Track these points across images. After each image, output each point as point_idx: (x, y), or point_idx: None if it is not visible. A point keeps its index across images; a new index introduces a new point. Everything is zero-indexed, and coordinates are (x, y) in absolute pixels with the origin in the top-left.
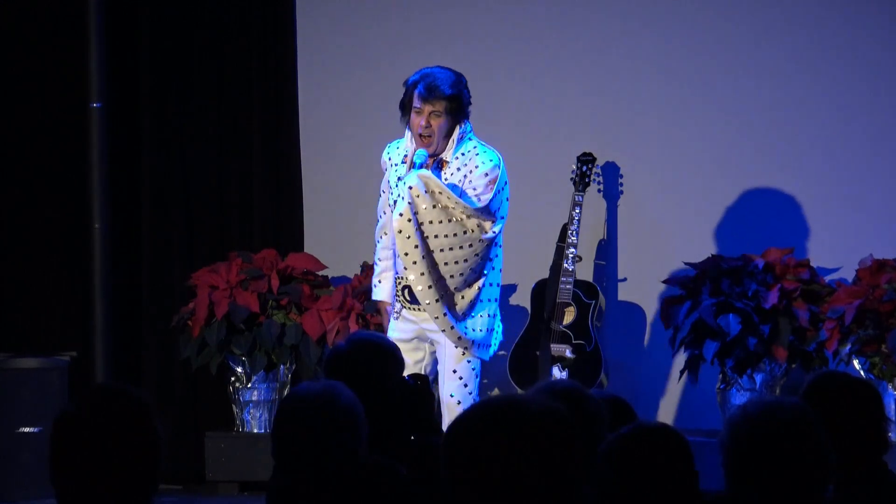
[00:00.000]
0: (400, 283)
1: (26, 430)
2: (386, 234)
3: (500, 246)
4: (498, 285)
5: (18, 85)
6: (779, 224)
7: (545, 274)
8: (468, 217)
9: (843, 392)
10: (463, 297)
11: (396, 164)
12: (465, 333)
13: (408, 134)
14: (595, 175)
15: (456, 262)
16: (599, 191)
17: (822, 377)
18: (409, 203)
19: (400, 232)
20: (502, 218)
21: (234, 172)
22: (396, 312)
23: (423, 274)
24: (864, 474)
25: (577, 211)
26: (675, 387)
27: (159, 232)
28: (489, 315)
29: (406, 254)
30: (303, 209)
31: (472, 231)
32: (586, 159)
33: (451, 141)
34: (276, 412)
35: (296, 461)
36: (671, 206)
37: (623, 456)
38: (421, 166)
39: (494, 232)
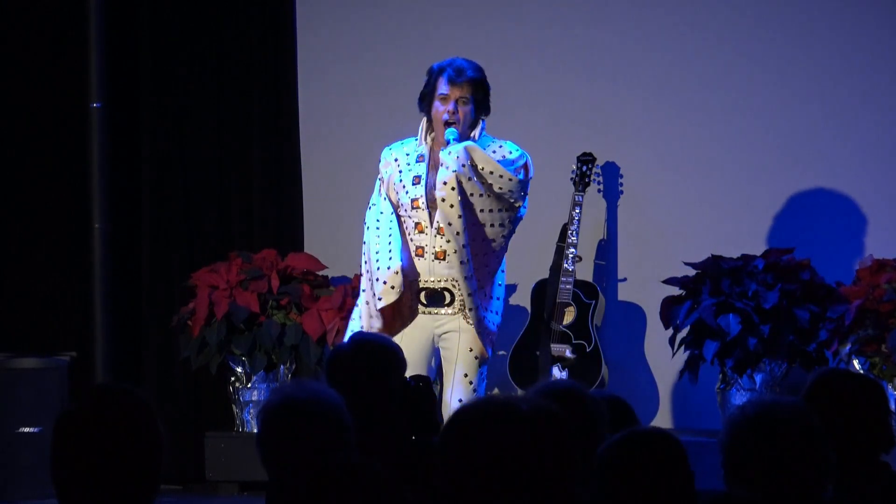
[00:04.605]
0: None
1: (26, 430)
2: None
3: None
4: (503, 272)
5: (18, 85)
6: (779, 224)
7: (545, 274)
8: (509, 193)
9: (848, 389)
10: (484, 282)
11: (409, 165)
12: (487, 320)
13: (421, 130)
14: (595, 175)
15: (484, 240)
16: (599, 191)
17: (825, 375)
18: (454, 172)
19: (443, 200)
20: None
21: (234, 172)
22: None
23: (464, 246)
24: (865, 473)
25: (577, 211)
26: (675, 387)
27: (159, 232)
28: (497, 312)
29: (449, 224)
30: (303, 209)
31: (506, 210)
32: (586, 159)
33: (473, 135)
34: (259, 420)
35: (284, 466)
36: (671, 206)
37: (618, 463)
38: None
39: (521, 214)
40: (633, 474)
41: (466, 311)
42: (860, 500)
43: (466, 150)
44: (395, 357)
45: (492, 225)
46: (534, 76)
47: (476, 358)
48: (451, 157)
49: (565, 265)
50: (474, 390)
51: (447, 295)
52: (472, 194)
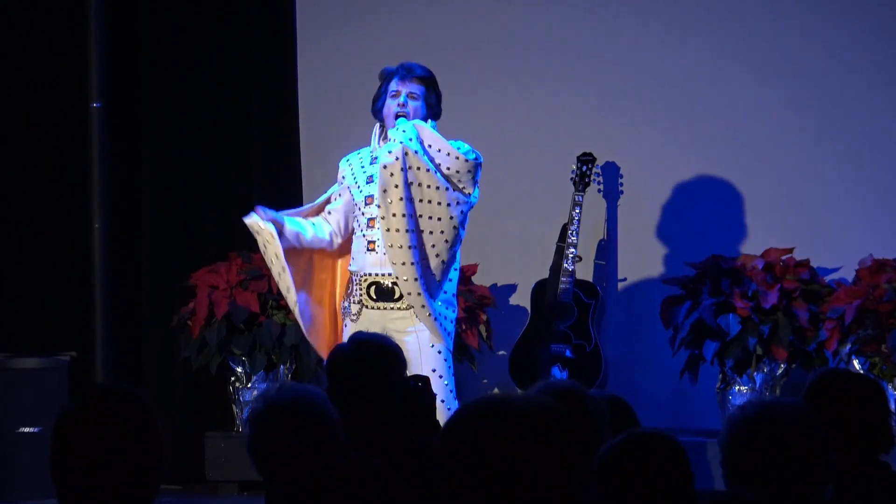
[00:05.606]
0: (366, 280)
1: (26, 430)
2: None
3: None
4: (457, 270)
5: (18, 85)
6: (779, 224)
7: (545, 274)
8: (456, 173)
9: (848, 389)
10: (433, 272)
11: (363, 167)
12: (435, 313)
13: (375, 135)
14: (595, 175)
15: (439, 219)
16: (599, 191)
17: (825, 375)
18: (400, 142)
19: (385, 168)
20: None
21: (234, 172)
22: (354, 315)
23: (408, 231)
24: (865, 473)
25: (577, 211)
26: (675, 387)
27: (159, 232)
28: (451, 302)
29: (385, 191)
30: None
31: (454, 191)
32: (586, 159)
33: None
34: (247, 428)
35: (279, 469)
36: (671, 206)
37: (618, 464)
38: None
39: (471, 202)
40: (634, 475)
41: (413, 296)
42: (860, 500)
43: (415, 126)
44: (395, 357)
45: (439, 203)
46: (534, 76)
47: (439, 353)
48: (398, 130)
49: (565, 265)
50: (446, 384)
51: (397, 290)
52: (418, 168)
